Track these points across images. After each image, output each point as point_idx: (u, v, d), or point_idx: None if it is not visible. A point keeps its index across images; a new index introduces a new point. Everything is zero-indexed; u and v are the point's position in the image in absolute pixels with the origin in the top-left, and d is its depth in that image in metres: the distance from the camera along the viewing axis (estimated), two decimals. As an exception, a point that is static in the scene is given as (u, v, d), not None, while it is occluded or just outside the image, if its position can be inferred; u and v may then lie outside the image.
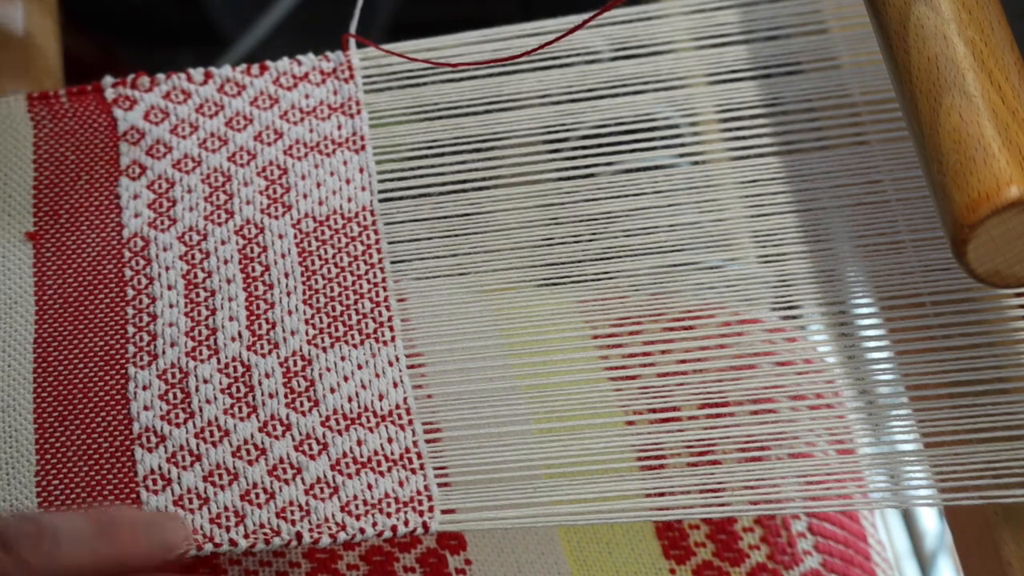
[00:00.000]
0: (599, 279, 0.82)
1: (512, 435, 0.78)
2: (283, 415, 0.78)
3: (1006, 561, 0.76)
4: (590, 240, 0.83)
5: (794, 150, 0.85)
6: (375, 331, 0.80)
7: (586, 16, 0.84)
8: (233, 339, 0.80)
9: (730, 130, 0.85)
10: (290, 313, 0.80)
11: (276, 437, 0.77)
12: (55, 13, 0.94)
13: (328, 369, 0.79)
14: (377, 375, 0.79)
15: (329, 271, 0.82)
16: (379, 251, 0.82)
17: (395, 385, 0.79)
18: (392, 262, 0.82)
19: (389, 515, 0.75)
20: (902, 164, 0.83)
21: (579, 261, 0.82)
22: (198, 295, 0.81)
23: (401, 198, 0.84)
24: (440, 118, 0.86)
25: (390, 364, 0.79)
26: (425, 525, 0.75)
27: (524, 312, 0.81)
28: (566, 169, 0.84)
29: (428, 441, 0.77)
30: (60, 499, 0.76)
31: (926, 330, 0.79)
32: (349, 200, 0.84)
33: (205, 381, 0.79)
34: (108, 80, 0.87)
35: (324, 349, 0.79)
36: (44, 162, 0.85)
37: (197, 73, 0.88)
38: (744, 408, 0.78)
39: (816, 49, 0.87)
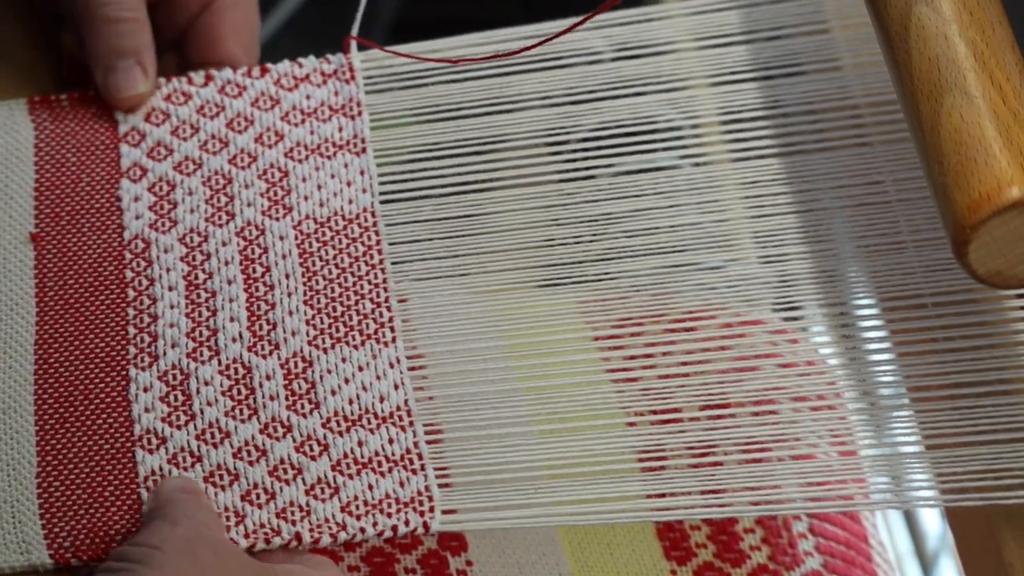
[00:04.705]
0: (600, 280, 0.82)
1: (513, 436, 0.77)
2: (284, 417, 0.78)
3: (1008, 562, 0.76)
4: (591, 241, 0.83)
5: (795, 151, 0.85)
6: (376, 332, 0.80)
7: (588, 15, 0.84)
8: (234, 340, 0.80)
9: (731, 132, 0.85)
10: (291, 314, 0.80)
11: (277, 439, 0.77)
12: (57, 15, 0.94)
13: (329, 371, 0.79)
14: (378, 377, 0.79)
15: (330, 272, 0.82)
16: (380, 252, 0.82)
17: (396, 387, 0.79)
18: (393, 263, 0.82)
19: (390, 515, 0.75)
20: (904, 165, 0.83)
21: (580, 262, 0.82)
22: (199, 296, 0.81)
23: (402, 200, 0.84)
24: (442, 120, 0.86)
25: (391, 366, 0.79)
26: (426, 525, 0.75)
27: (525, 313, 0.81)
28: (567, 171, 0.84)
29: (429, 442, 0.77)
30: (60, 500, 0.76)
31: (928, 331, 0.79)
32: (350, 202, 0.84)
33: (206, 383, 0.79)
34: (109, 82, 0.87)
35: (325, 350, 0.79)
36: (45, 164, 0.85)
37: (198, 75, 0.87)
38: (745, 409, 0.78)
39: (818, 50, 0.87)
